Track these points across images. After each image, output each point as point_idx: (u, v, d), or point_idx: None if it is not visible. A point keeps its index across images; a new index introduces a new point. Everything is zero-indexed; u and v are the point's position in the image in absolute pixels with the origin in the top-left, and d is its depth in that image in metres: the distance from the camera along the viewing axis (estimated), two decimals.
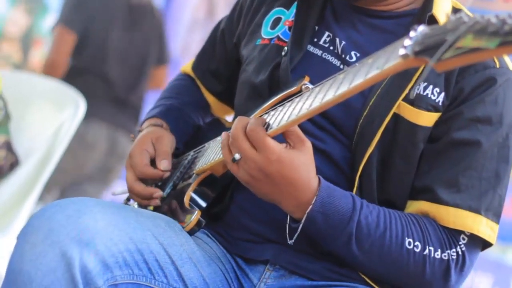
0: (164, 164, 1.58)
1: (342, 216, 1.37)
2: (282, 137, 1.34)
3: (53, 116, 2.49)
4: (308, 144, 1.35)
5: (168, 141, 1.62)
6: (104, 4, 3.85)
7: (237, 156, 1.34)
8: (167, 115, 1.68)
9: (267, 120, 1.34)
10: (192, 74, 1.82)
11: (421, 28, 1.08)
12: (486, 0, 4.09)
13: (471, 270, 1.47)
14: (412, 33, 1.09)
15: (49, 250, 1.26)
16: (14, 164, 2.45)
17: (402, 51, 1.08)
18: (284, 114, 1.31)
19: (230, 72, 1.73)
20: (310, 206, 1.36)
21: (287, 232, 1.40)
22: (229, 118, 1.80)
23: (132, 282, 1.34)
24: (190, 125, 1.71)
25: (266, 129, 1.32)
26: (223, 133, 1.39)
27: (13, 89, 2.53)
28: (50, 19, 5.62)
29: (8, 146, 2.41)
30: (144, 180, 1.59)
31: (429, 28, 1.07)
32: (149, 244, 1.36)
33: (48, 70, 3.74)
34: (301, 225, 1.37)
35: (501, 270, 4.20)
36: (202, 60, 1.80)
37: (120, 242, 1.32)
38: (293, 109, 1.30)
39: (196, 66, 1.82)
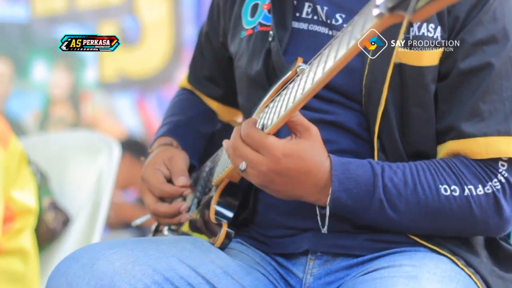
0: (182, 180, 1.51)
1: (365, 186, 1.32)
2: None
3: (90, 165, 2.46)
4: (315, 130, 1.30)
5: (181, 159, 1.56)
6: None
7: (243, 165, 1.30)
8: (175, 132, 1.63)
9: (268, 114, 1.29)
10: (189, 86, 1.77)
11: None
12: None
13: None
14: None
15: None
16: (65, 222, 2.42)
17: (376, 11, 1.04)
18: (282, 105, 1.27)
19: (225, 73, 1.67)
20: (330, 188, 1.30)
21: (319, 221, 1.34)
22: (240, 120, 1.74)
23: None
24: (200, 138, 1.66)
25: (263, 128, 1.28)
26: (224, 142, 1.35)
27: (45, 150, 2.52)
28: (91, 72, 5.66)
29: (55, 206, 2.39)
30: (164, 201, 1.52)
31: None
32: (176, 270, 1.31)
33: None
34: (327, 210, 1.32)
35: None
36: (195, 69, 1.75)
37: (144, 277, 1.27)
38: (289, 97, 1.26)
39: (191, 77, 1.77)
